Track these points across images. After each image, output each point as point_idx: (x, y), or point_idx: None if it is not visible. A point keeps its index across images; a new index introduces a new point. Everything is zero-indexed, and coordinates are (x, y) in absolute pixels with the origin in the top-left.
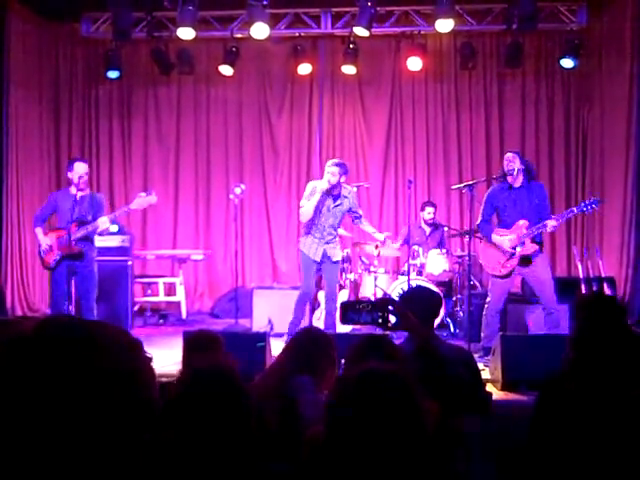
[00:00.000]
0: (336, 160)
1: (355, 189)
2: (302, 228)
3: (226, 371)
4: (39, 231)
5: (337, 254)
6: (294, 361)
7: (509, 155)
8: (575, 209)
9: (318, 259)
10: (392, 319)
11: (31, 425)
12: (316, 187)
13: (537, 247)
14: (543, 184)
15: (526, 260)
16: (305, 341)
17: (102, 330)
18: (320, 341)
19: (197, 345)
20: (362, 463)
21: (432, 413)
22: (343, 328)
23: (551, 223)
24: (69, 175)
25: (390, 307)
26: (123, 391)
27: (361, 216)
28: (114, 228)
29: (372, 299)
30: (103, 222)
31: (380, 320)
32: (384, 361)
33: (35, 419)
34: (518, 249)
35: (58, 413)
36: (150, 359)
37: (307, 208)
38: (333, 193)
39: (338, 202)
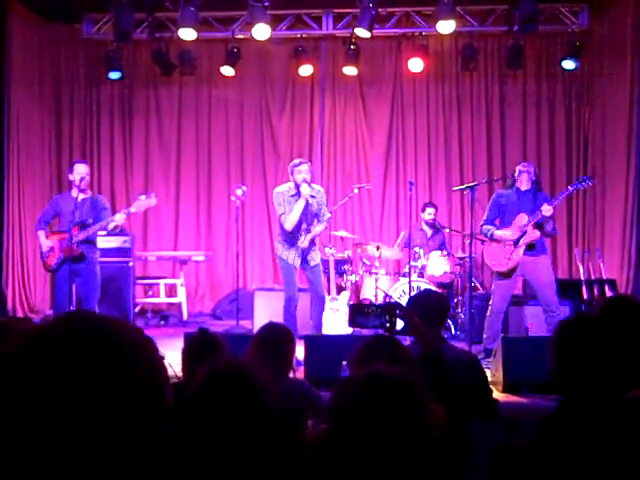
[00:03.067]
0: (302, 159)
1: (322, 189)
2: (277, 235)
3: (245, 370)
4: (41, 234)
5: (316, 257)
6: (260, 356)
7: (525, 165)
8: (570, 187)
9: (297, 265)
10: (400, 324)
11: (40, 422)
12: (284, 193)
13: (539, 233)
14: (548, 195)
15: (530, 247)
16: (269, 336)
17: (119, 327)
18: (283, 336)
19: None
20: (366, 465)
21: (438, 416)
22: (346, 329)
23: (545, 208)
24: (70, 177)
25: (398, 312)
26: (136, 389)
27: (324, 218)
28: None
29: (374, 301)
30: (121, 217)
31: (388, 324)
32: (390, 363)
33: (44, 417)
34: (525, 235)
35: (72, 410)
36: (162, 357)
37: (293, 216)
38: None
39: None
